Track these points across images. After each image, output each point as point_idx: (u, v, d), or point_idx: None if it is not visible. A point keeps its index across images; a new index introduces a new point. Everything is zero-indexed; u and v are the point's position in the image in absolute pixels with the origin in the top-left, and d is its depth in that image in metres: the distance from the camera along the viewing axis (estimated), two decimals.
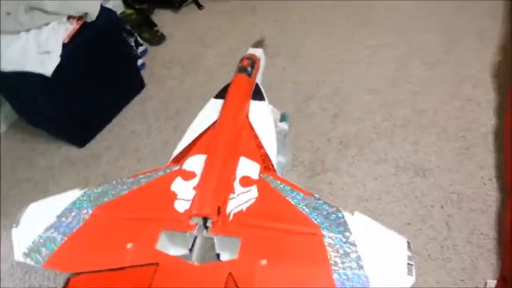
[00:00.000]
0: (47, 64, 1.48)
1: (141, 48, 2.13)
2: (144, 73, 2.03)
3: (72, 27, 1.56)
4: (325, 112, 1.81)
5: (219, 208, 1.03)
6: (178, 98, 1.95)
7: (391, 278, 0.92)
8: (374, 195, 1.51)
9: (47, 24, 1.56)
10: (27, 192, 1.66)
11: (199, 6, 2.39)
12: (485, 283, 1.27)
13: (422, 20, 2.17)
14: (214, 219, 1.01)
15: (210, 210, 1.02)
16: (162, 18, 2.33)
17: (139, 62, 2.06)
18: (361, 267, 0.92)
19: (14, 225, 1.10)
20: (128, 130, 1.84)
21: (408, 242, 0.97)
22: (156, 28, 2.24)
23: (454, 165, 1.57)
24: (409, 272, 0.92)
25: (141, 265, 0.92)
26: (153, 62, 2.12)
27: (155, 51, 2.19)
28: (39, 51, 1.51)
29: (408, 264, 0.93)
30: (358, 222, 1.02)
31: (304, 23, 2.24)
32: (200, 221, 1.02)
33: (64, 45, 1.53)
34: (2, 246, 1.53)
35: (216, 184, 1.08)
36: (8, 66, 1.50)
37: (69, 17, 1.57)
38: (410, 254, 0.94)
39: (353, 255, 0.94)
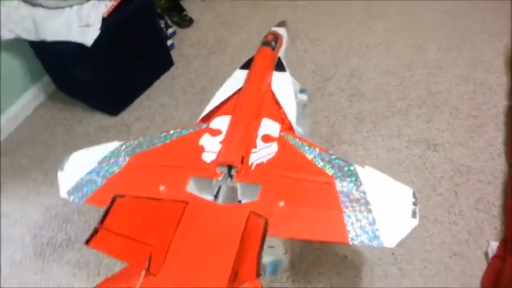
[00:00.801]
0: (87, 35, 1.63)
1: (170, 30, 2.27)
2: (173, 53, 2.17)
3: (111, 4, 1.70)
4: (342, 92, 1.91)
5: (242, 158, 1.14)
6: (203, 77, 2.08)
7: (397, 220, 1.01)
8: (386, 166, 1.61)
9: (88, 0, 1.71)
10: (65, 154, 1.79)
11: None
12: (488, 244, 1.35)
13: (437, 11, 2.26)
14: (238, 168, 1.12)
15: (234, 159, 1.13)
16: (191, 4, 2.46)
17: (169, 42, 2.19)
18: (369, 211, 1.02)
19: (59, 169, 1.23)
20: (157, 103, 1.98)
21: (413, 191, 1.06)
22: (185, 13, 2.38)
23: (465, 141, 1.66)
24: (413, 216, 1.02)
25: (174, 200, 1.03)
26: (182, 43, 2.26)
27: (184, 33, 2.32)
28: (80, 24, 1.66)
29: (412, 209, 1.03)
30: (368, 174, 1.12)
31: (324, 10, 2.35)
32: (225, 170, 1.14)
33: (103, 20, 1.67)
34: (46, 196, 1.68)
35: (241, 137, 1.20)
36: (53, 36, 1.65)
37: None
38: (414, 200, 1.04)
39: (362, 201, 1.04)
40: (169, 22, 2.30)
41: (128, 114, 1.95)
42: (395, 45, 2.10)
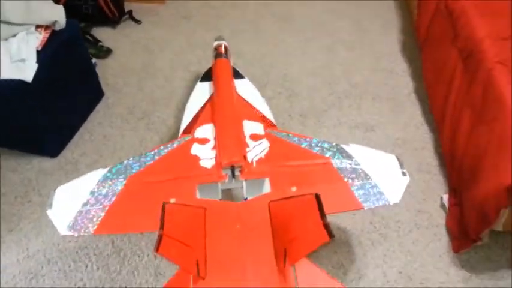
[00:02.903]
0: (25, 71, 1.51)
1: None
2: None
3: (42, 36, 1.60)
4: (280, 95, 2.07)
5: (244, 157, 1.20)
6: (141, 102, 2.04)
7: (393, 180, 1.18)
8: None
9: (15, 35, 1.58)
10: (9, 206, 1.61)
11: (137, 21, 2.51)
12: (441, 198, 1.61)
13: (334, 14, 2.58)
14: (242, 166, 1.18)
15: (238, 158, 1.18)
16: (102, 34, 2.40)
17: None
18: (369, 178, 1.17)
19: (48, 207, 1.14)
20: (99, 135, 1.88)
21: (397, 156, 1.24)
22: (100, 43, 2.31)
23: (392, 119, 1.94)
24: (404, 174, 1.19)
25: (196, 206, 1.04)
26: (105, 74, 2.18)
27: (104, 64, 2.25)
28: (12, 60, 1.53)
29: (401, 170, 1.20)
30: (355, 149, 1.27)
31: (238, 26, 2.50)
32: (229, 172, 1.18)
33: (38, 53, 1.56)
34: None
35: (235, 138, 1.26)
36: None
37: (37, 27, 1.61)
38: (400, 163, 1.22)
39: (359, 171, 1.19)
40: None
41: (70, 152, 1.81)
42: (310, 51, 2.33)
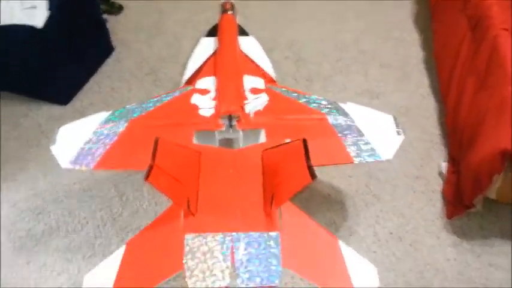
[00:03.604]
0: (36, 17, 1.55)
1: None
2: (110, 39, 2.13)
3: None
4: (287, 59, 2.07)
5: (242, 107, 1.23)
6: (150, 58, 2.07)
7: (386, 138, 1.20)
8: None
9: None
10: (20, 149, 1.68)
11: None
12: (439, 165, 1.62)
13: None
14: (239, 116, 1.21)
15: (236, 108, 1.22)
16: None
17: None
18: (362, 134, 1.19)
19: (51, 143, 1.20)
20: (107, 87, 1.93)
21: (394, 116, 1.26)
22: (112, 0, 2.33)
23: (398, 87, 1.93)
24: (398, 134, 1.21)
25: (191, 149, 1.08)
26: (116, 30, 2.21)
27: (116, 20, 2.27)
28: (23, 7, 1.57)
29: (396, 129, 1.22)
30: (352, 107, 1.29)
31: None
32: (226, 122, 1.21)
33: (49, 1, 1.60)
34: (10, 192, 1.57)
35: (234, 90, 1.28)
36: None
37: None
38: (396, 122, 1.23)
39: (353, 128, 1.21)
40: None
41: (80, 101, 1.87)
42: (320, 17, 2.31)
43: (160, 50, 2.12)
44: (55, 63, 1.73)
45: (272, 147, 1.05)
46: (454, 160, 1.57)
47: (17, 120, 1.80)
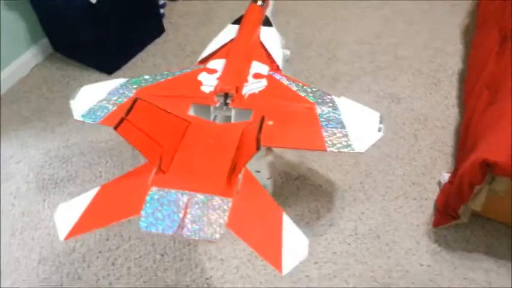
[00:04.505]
0: None
1: (161, 2, 2.43)
2: (163, 21, 2.33)
3: None
4: (320, 56, 2.13)
5: (237, 88, 1.34)
6: (194, 43, 2.25)
7: (365, 133, 1.23)
8: None
9: None
10: (64, 106, 1.94)
11: None
12: (441, 174, 1.58)
13: None
14: (233, 96, 1.32)
15: (231, 87, 1.32)
16: None
17: (160, 11, 2.35)
18: (343, 127, 1.24)
19: (71, 98, 1.40)
20: (150, 63, 2.14)
21: (380, 114, 1.28)
22: None
23: (424, 96, 1.90)
24: (379, 130, 1.23)
25: (180, 117, 1.21)
26: (171, 14, 2.42)
27: (173, 5, 2.49)
28: None
29: (379, 126, 1.25)
30: (343, 102, 1.33)
31: None
32: (222, 99, 1.33)
33: None
34: (47, 141, 1.82)
35: (235, 72, 1.39)
36: None
37: None
38: (380, 119, 1.26)
39: (337, 120, 1.26)
40: None
41: (123, 73, 2.10)
42: (366, 18, 2.34)
43: (204, 36, 2.28)
44: (105, 38, 1.96)
45: (249, 124, 1.15)
46: (456, 171, 1.53)
47: (68, 81, 2.08)
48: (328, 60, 2.11)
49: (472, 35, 2.11)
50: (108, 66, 2.08)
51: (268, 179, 1.54)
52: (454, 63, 2.04)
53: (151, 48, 2.24)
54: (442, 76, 1.98)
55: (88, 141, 1.81)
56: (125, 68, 2.13)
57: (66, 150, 1.79)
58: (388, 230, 1.45)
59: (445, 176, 1.56)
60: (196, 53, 2.18)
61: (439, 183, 1.56)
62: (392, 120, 1.80)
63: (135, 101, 1.07)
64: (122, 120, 1.01)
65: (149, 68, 2.13)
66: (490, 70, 1.53)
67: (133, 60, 2.17)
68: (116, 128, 1.00)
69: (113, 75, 2.09)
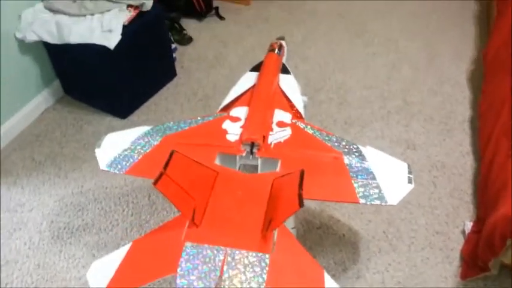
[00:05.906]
0: (110, 39, 1.80)
1: (172, 46, 2.46)
2: (175, 66, 2.36)
3: (131, 14, 1.89)
4: (331, 101, 2.16)
5: (263, 137, 1.34)
6: (205, 87, 2.27)
7: (396, 184, 1.23)
8: None
9: (109, 10, 1.89)
10: (77, 150, 1.92)
11: (221, 18, 2.76)
12: (464, 224, 1.58)
13: (409, 33, 2.60)
14: (260, 145, 1.31)
15: (258, 136, 1.32)
16: (189, 24, 2.69)
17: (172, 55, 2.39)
18: (373, 178, 1.23)
19: (97, 146, 1.38)
20: (163, 108, 2.14)
21: (408, 164, 1.28)
22: (185, 31, 2.59)
23: (438, 142, 1.92)
24: (409, 182, 1.23)
25: (209, 168, 1.20)
26: (182, 58, 2.45)
27: (184, 50, 2.52)
28: (103, 29, 1.83)
29: (408, 177, 1.25)
30: (370, 151, 1.34)
31: (310, 33, 2.63)
32: (248, 148, 1.32)
33: (123, 27, 1.85)
34: (61, 187, 1.79)
35: (260, 120, 1.39)
36: (76, 39, 1.81)
37: (128, 6, 1.91)
38: (409, 170, 1.26)
39: (367, 171, 1.25)
40: (171, 39, 2.50)
41: (137, 117, 2.10)
42: (374, 64, 2.39)
43: (215, 80, 2.31)
44: (121, 81, 1.97)
45: (281, 176, 1.14)
46: (479, 220, 1.53)
47: (82, 125, 2.06)
48: (339, 104, 2.14)
49: (479, 81, 2.18)
50: (122, 110, 2.08)
51: (292, 228, 1.52)
52: (463, 109, 2.08)
53: (163, 92, 2.25)
54: (454, 123, 2.02)
55: (103, 187, 1.77)
56: (138, 112, 2.13)
57: (81, 197, 1.75)
58: (416, 283, 1.43)
59: (468, 225, 1.56)
60: (208, 97, 2.20)
61: (463, 232, 1.55)
62: None
63: (171, 154, 1.06)
64: (160, 175, 1.00)
65: (162, 112, 2.13)
66: (505, 118, 1.56)
67: (147, 104, 2.17)
68: (155, 183, 0.98)
69: (127, 119, 2.09)
